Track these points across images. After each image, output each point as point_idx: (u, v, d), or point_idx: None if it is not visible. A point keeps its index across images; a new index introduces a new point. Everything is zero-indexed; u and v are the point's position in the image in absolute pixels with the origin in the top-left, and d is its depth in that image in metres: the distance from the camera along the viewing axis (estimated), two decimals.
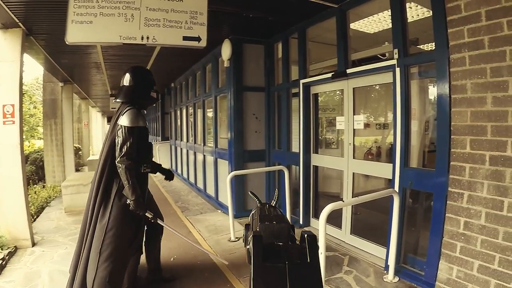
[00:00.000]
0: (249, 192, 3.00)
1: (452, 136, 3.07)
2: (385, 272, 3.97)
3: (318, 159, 5.69)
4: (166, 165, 13.05)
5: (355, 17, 4.97)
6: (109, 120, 37.83)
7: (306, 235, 1.46)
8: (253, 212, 2.11)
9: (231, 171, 6.07)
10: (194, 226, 5.97)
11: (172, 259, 4.51)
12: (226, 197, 5.95)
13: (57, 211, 7.18)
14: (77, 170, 12.25)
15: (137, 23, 3.67)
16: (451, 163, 3.07)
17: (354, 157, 4.89)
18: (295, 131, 6.13)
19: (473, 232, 2.86)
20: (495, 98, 2.73)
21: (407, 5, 3.94)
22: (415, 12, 4.27)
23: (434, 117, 4.50)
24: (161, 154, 13.50)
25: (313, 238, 1.44)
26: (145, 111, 3.61)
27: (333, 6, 4.71)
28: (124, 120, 3.12)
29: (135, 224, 3.30)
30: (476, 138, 2.87)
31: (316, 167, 5.77)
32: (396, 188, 3.95)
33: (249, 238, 1.63)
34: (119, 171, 3.05)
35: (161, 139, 15.48)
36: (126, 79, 3.40)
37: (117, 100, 3.39)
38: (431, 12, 3.67)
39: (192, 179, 9.65)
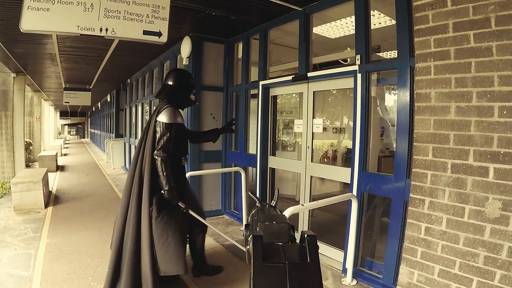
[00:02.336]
0: (248, 192, 2.96)
1: (414, 143, 3.05)
2: (343, 275, 3.93)
3: (275, 162, 5.59)
4: (119, 163, 12.64)
5: (318, 21, 4.91)
6: (61, 115, 36.51)
7: (306, 235, 1.39)
8: (253, 212, 2.03)
9: (187, 172, 5.83)
10: None
11: None
12: None
13: (6, 210, 6.64)
14: (27, 166, 11.42)
15: (97, 14, 3.40)
16: (413, 169, 3.06)
17: (312, 161, 4.82)
18: (252, 133, 6.01)
19: (434, 237, 2.85)
20: (458, 108, 2.73)
21: (371, 12, 3.93)
22: (378, 20, 4.28)
23: (390, 123, 4.56)
24: (114, 151, 12.91)
25: (313, 238, 1.36)
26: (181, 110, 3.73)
27: (297, 9, 4.62)
28: (162, 117, 3.33)
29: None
30: (438, 146, 2.86)
31: (273, 169, 5.67)
32: (354, 192, 3.92)
33: (249, 238, 1.55)
34: (155, 163, 3.27)
35: (114, 136, 14.86)
36: (170, 79, 3.60)
37: (159, 97, 3.61)
38: (393, 21, 3.68)
39: None
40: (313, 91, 4.75)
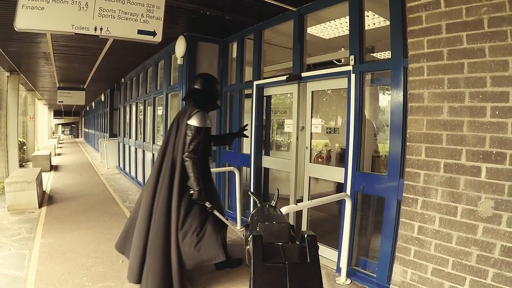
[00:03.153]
0: (249, 192, 3.04)
1: (407, 143, 3.06)
2: (337, 274, 3.94)
3: (269, 161, 5.59)
4: (113, 163, 12.58)
5: (312, 21, 4.92)
6: (55, 114, 36.30)
7: (306, 235, 1.39)
8: (253, 212, 2.04)
9: None
10: None
11: (121, 261, 4.20)
12: None
13: (0, 210, 6.56)
14: (21, 166, 11.30)
15: (91, 13, 3.39)
16: (406, 169, 3.07)
17: (310, 161, 4.79)
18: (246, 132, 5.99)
19: (427, 236, 2.86)
20: (451, 108, 2.74)
21: (365, 13, 3.93)
22: (372, 21, 4.29)
23: (384, 123, 4.57)
24: (108, 151, 12.85)
25: (313, 238, 1.36)
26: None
27: (291, 9, 4.62)
28: (193, 121, 3.48)
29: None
30: (431, 146, 2.87)
31: (266, 169, 5.66)
32: (348, 192, 3.93)
33: (249, 238, 1.55)
34: (186, 164, 3.44)
35: (108, 136, 14.78)
36: (197, 83, 3.80)
37: (186, 100, 3.81)
38: (387, 21, 3.69)
39: (140, 178, 9.19)
40: (312, 91, 4.71)
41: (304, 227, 4.81)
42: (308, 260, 1.34)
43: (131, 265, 3.50)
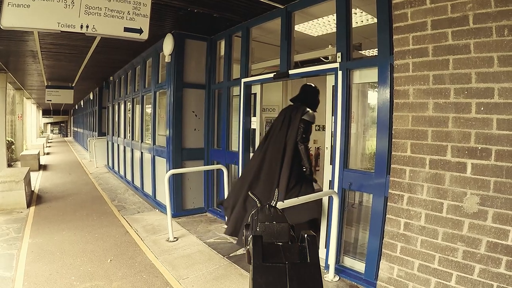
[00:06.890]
0: (249, 193, 3.03)
1: (393, 140, 3.05)
2: (326, 271, 3.90)
3: None
4: (102, 162, 12.45)
5: (300, 19, 4.88)
6: (44, 113, 36.01)
7: (306, 235, 1.37)
8: (252, 212, 2.03)
9: (169, 169, 5.80)
10: (131, 226, 5.57)
11: (109, 260, 4.15)
12: (164, 196, 5.63)
13: None
14: (9, 165, 11.07)
15: (77, 11, 3.34)
16: (392, 165, 3.05)
17: (330, 163, 4.34)
18: (234, 130, 5.94)
19: (413, 232, 2.85)
20: (436, 104, 2.73)
21: (353, 10, 3.91)
22: (360, 18, 4.27)
23: (372, 121, 4.54)
24: (97, 150, 12.70)
25: (313, 238, 1.34)
26: None
27: (279, 7, 4.58)
28: (307, 117, 4.38)
29: None
30: (417, 142, 2.86)
31: None
32: (336, 189, 3.91)
33: (249, 238, 1.54)
34: (300, 148, 4.36)
35: (97, 134, 14.61)
36: (309, 90, 4.69)
37: (295, 101, 4.67)
38: (375, 19, 3.66)
39: (129, 177, 9.08)
40: (332, 86, 4.22)
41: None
42: (308, 261, 1.32)
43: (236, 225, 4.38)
